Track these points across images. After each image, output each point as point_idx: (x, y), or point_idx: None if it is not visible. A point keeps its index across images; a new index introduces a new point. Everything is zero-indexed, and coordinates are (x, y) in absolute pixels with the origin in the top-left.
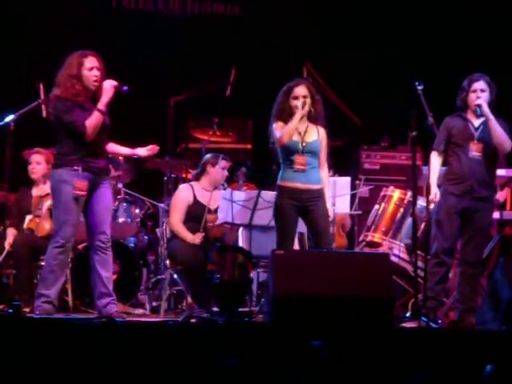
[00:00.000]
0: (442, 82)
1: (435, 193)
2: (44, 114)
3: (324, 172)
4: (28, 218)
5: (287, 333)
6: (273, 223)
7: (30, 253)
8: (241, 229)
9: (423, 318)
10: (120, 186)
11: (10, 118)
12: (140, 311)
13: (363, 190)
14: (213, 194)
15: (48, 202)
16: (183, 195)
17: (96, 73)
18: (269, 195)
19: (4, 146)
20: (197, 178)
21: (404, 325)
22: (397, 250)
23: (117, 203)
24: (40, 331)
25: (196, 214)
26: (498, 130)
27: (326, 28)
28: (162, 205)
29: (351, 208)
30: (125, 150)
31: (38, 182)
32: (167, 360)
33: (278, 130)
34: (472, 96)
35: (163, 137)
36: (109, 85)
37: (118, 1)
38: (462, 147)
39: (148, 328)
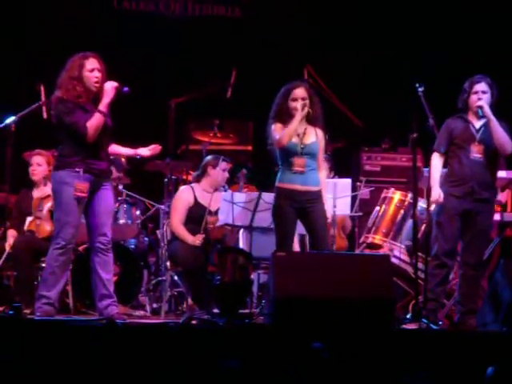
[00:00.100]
0: (443, 83)
1: (439, 193)
2: (45, 115)
3: (322, 174)
4: (29, 219)
5: (288, 334)
6: (273, 225)
7: (31, 254)
8: (241, 230)
9: (424, 320)
10: (120, 187)
11: (10, 119)
12: (141, 313)
13: (364, 192)
14: (213, 196)
15: (49, 204)
16: (184, 197)
17: (97, 74)
18: (269, 197)
19: (5, 147)
20: (197, 179)
21: (404, 326)
22: (397, 251)
23: (117, 205)
24: (40, 333)
25: (197, 216)
26: (499, 132)
27: (326, 28)
28: (162, 206)
29: (352, 210)
30: (127, 151)
31: (39, 183)
32: (168, 362)
33: (277, 131)
34: (473, 98)
35: (164, 138)
36: (110, 86)
37: (119, 2)
38: (463, 149)
39: (149, 330)
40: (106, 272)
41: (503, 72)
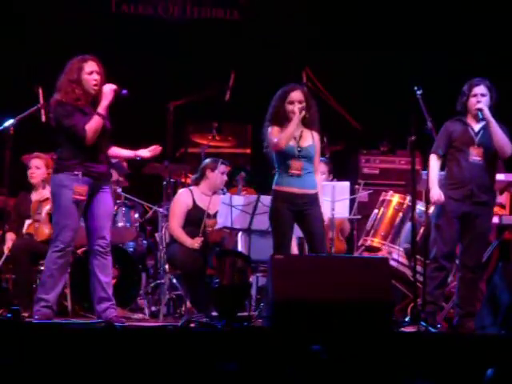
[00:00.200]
0: (443, 84)
1: (439, 193)
2: (43, 118)
3: (318, 177)
4: (27, 222)
5: (286, 337)
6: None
7: (29, 257)
8: (240, 233)
9: (422, 323)
10: (119, 190)
11: (9, 122)
12: (139, 316)
13: (362, 195)
14: (212, 199)
15: (47, 207)
16: (182, 200)
17: (96, 77)
18: (268, 200)
19: (3, 150)
20: (196, 182)
21: (403, 329)
22: (396, 254)
23: (116, 208)
24: (39, 336)
25: (195, 219)
26: (499, 134)
27: (325, 28)
28: (161, 209)
29: (350, 212)
30: (127, 153)
31: (38, 186)
32: (166, 364)
33: (274, 134)
34: (472, 100)
35: (162, 141)
36: (108, 89)
37: (118, 5)
38: (462, 152)
39: (147, 332)
40: (105, 275)
41: (503, 73)
